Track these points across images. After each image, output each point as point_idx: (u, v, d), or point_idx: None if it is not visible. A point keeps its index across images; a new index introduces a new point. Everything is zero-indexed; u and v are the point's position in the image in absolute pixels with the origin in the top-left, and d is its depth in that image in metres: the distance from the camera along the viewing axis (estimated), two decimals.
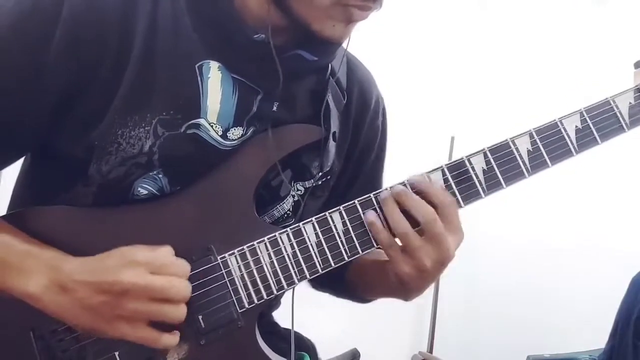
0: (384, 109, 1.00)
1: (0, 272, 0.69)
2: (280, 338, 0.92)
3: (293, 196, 0.87)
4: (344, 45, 0.85)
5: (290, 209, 0.88)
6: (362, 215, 0.79)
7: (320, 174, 0.88)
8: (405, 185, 0.78)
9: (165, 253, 0.71)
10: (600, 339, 1.79)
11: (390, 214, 0.76)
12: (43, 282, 0.67)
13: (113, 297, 0.66)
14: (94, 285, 0.66)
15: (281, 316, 1.01)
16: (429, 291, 2.76)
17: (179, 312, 0.70)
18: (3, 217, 0.77)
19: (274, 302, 0.98)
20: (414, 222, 0.76)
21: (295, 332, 0.88)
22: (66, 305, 0.68)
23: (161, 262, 0.69)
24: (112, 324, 0.68)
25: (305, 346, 0.97)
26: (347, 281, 0.96)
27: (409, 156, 2.20)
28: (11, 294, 0.69)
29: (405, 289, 0.80)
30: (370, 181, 0.99)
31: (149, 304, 0.67)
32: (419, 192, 0.77)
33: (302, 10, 0.73)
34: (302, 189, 0.88)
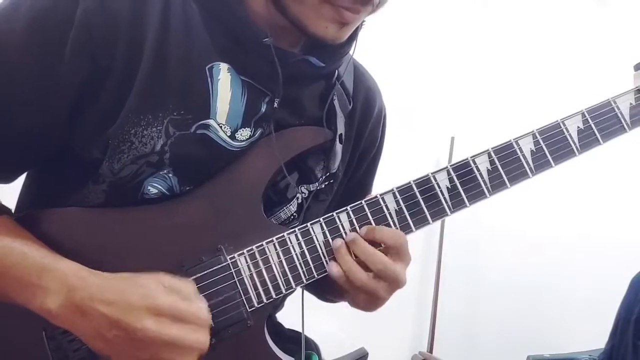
0: (384, 121, 1.00)
1: (17, 287, 0.68)
2: (285, 338, 0.92)
3: (297, 198, 0.88)
4: (351, 52, 0.85)
5: (296, 212, 0.88)
6: (368, 215, 0.81)
7: (325, 176, 0.89)
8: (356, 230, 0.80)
9: (188, 293, 0.70)
10: (600, 339, 1.80)
11: (346, 265, 0.78)
12: (59, 301, 0.65)
13: (130, 339, 0.65)
14: (111, 320, 0.64)
15: (283, 317, 1.02)
16: (429, 291, 2.78)
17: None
18: (16, 218, 0.76)
19: (279, 303, 0.99)
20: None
21: (300, 332, 0.88)
22: (81, 326, 0.66)
23: (184, 313, 0.67)
24: (124, 357, 0.67)
25: (309, 346, 0.97)
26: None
27: (409, 156, 2.22)
28: (27, 307, 0.68)
29: (360, 308, 0.85)
30: (361, 189, 1.00)
31: (166, 352, 0.66)
32: (370, 241, 0.79)
33: (296, 9, 0.73)
34: (307, 191, 0.89)
